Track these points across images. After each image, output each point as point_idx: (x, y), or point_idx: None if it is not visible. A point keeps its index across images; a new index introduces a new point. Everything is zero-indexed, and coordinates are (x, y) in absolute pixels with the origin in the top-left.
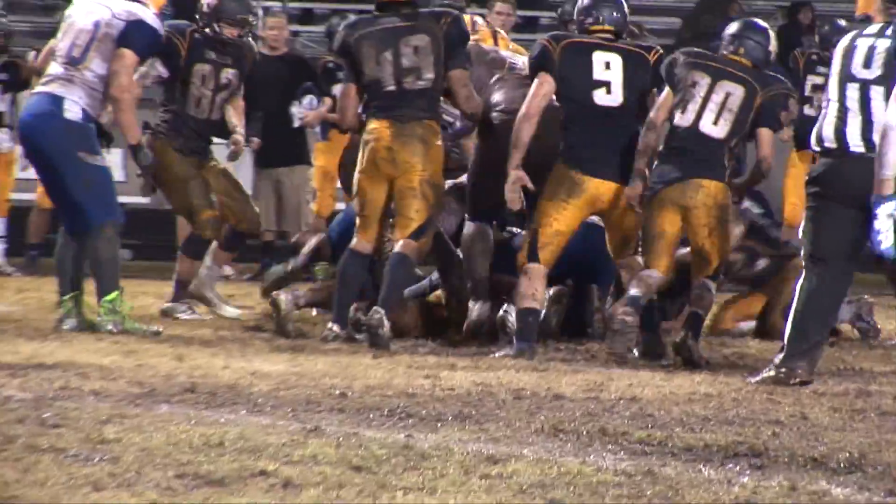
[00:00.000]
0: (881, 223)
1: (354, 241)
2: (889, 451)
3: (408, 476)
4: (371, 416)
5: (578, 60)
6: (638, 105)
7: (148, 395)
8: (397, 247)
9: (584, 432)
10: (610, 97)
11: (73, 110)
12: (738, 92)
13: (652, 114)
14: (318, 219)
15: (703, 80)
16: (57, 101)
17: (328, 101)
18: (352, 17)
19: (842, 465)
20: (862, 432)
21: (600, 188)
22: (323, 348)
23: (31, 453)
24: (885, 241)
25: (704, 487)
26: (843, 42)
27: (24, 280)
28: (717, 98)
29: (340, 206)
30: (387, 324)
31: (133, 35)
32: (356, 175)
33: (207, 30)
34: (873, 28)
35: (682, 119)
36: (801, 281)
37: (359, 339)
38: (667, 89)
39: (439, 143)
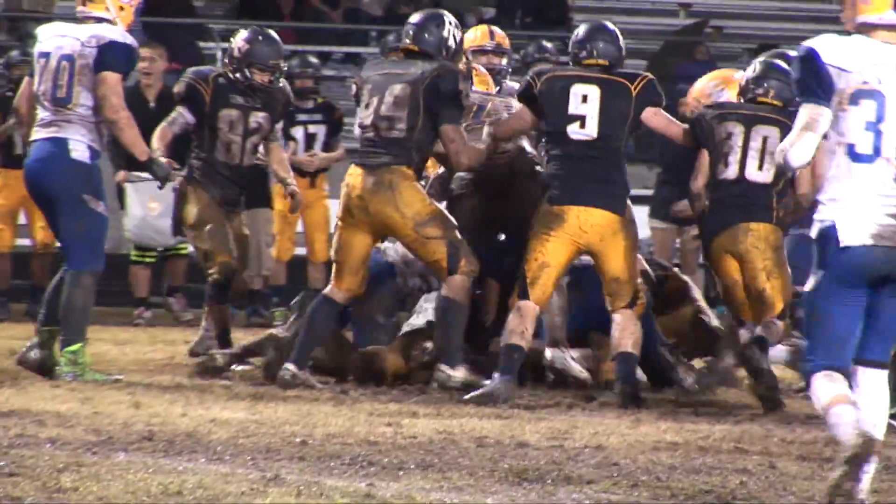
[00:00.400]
0: None
1: (328, 287)
2: None
3: None
4: (332, 464)
5: (557, 94)
6: (619, 134)
7: (105, 443)
8: (442, 290)
9: (549, 481)
10: (584, 131)
11: (78, 150)
12: (774, 133)
13: (692, 183)
14: (277, 263)
15: (737, 130)
16: (61, 143)
17: (292, 144)
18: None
19: None
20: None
21: (581, 215)
22: (283, 395)
23: None
24: None
25: None
26: None
27: None
28: (755, 144)
29: (300, 251)
30: (452, 373)
31: (108, 57)
32: (336, 221)
33: (238, 74)
34: None
35: (727, 172)
36: None
37: (319, 386)
38: (703, 151)
39: (410, 182)
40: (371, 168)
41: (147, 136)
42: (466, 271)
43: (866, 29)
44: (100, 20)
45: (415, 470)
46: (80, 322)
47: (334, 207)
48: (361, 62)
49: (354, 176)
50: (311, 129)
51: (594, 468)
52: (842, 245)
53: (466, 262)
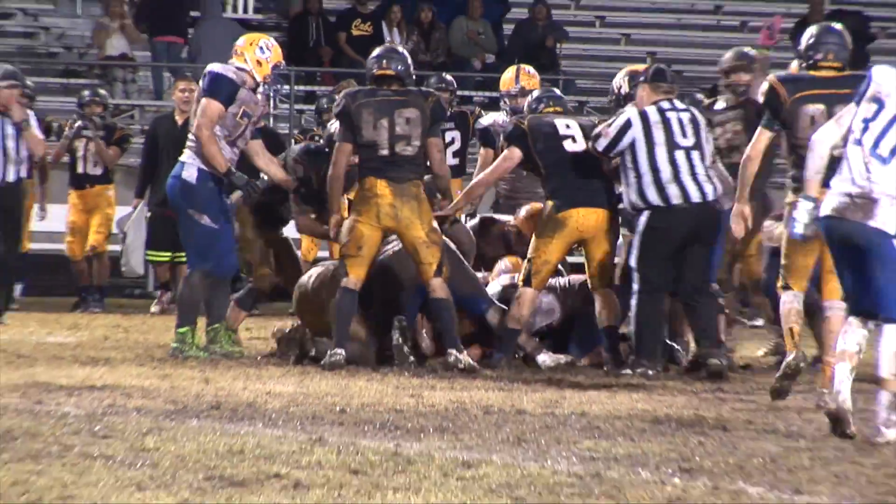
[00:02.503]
0: (800, 213)
1: (346, 279)
2: (795, 457)
3: (397, 478)
4: (366, 428)
5: None
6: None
7: (181, 412)
8: (431, 293)
9: (542, 442)
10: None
11: (189, 171)
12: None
13: None
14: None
15: None
16: (179, 165)
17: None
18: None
19: (756, 468)
20: (772, 441)
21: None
22: (325, 372)
23: (84, 460)
24: (798, 228)
25: (642, 487)
26: None
27: (77, 316)
28: None
29: None
30: (463, 357)
31: (206, 85)
32: (353, 222)
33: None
34: None
35: None
36: None
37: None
38: None
39: (425, 195)
40: (399, 182)
41: (174, 154)
42: (446, 276)
43: None
44: (239, 69)
45: (433, 433)
46: (186, 310)
47: None
48: None
49: (382, 187)
50: (448, 135)
51: (579, 431)
52: None
53: (447, 269)
